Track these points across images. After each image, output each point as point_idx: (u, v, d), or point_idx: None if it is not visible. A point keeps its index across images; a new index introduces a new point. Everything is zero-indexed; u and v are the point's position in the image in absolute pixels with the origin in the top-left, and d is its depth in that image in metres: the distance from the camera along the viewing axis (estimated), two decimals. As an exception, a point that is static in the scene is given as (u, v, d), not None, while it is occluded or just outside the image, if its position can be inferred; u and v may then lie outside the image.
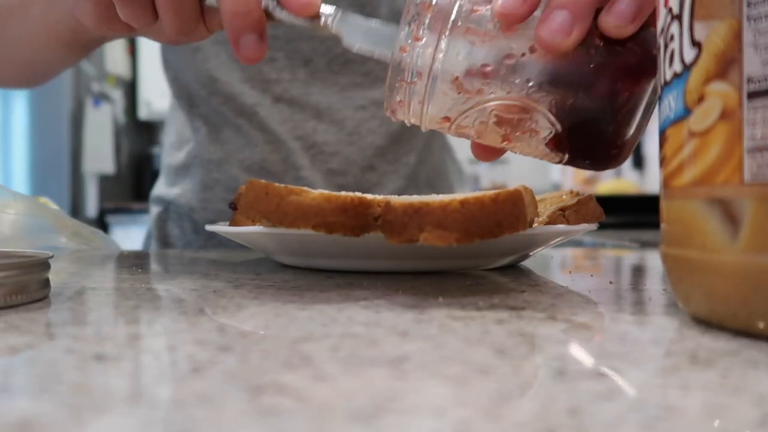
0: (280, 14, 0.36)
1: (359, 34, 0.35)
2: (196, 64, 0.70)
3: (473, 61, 0.32)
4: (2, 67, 0.57)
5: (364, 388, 0.15)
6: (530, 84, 0.32)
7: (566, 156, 0.33)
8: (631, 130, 0.32)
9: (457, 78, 0.32)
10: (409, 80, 0.33)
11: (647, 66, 0.31)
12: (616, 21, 0.30)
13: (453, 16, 0.32)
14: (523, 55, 0.31)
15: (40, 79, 0.61)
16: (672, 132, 0.23)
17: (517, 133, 0.33)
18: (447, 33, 0.32)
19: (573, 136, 0.32)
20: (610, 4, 0.30)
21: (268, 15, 0.36)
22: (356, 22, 0.36)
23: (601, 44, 0.31)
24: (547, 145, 0.33)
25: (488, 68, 0.32)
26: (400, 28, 0.33)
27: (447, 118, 0.34)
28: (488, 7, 0.32)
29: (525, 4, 0.31)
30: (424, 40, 0.32)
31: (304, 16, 0.35)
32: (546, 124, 0.32)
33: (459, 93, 0.32)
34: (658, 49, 0.24)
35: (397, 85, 0.33)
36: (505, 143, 0.34)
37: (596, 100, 0.31)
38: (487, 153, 0.37)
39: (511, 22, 0.31)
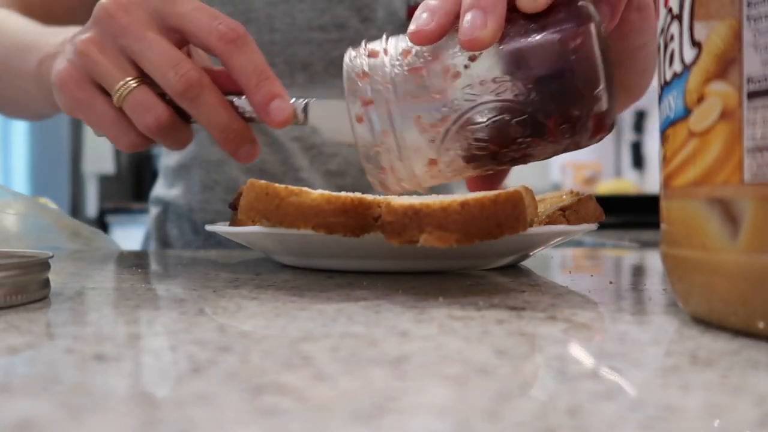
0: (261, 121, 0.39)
1: (332, 121, 0.38)
2: None
3: (425, 95, 0.33)
4: (11, 111, 0.65)
5: (364, 388, 0.15)
6: (485, 85, 0.32)
7: (566, 137, 0.33)
8: (601, 78, 0.32)
9: (419, 117, 0.33)
10: (379, 142, 0.34)
11: (577, 16, 0.32)
12: None
13: (388, 68, 0.33)
14: (466, 66, 0.32)
15: (46, 118, 0.67)
16: (672, 132, 0.23)
17: (502, 140, 0.33)
18: (390, 84, 0.33)
19: (553, 112, 0.32)
20: None
21: (253, 120, 0.39)
22: (324, 107, 0.39)
23: (528, 19, 0.32)
24: (534, 138, 0.33)
25: (440, 95, 0.33)
26: (347, 105, 0.34)
27: (433, 161, 0.34)
28: (422, 53, 0.33)
29: (433, 21, 0.32)
30: (374, 100, 0.33)
31: (287, 126, 0.38)
32: (519, 115, 0.32)
33: (428, 130, 0.33)
34: (659, 48, 0.24)
35: (371, 154, 0.35)
36: (497, 159, 0.34)
37: (549, 65, 0.32)
38: (485, 187, 0.39)
39: (422, 40, 0.32)
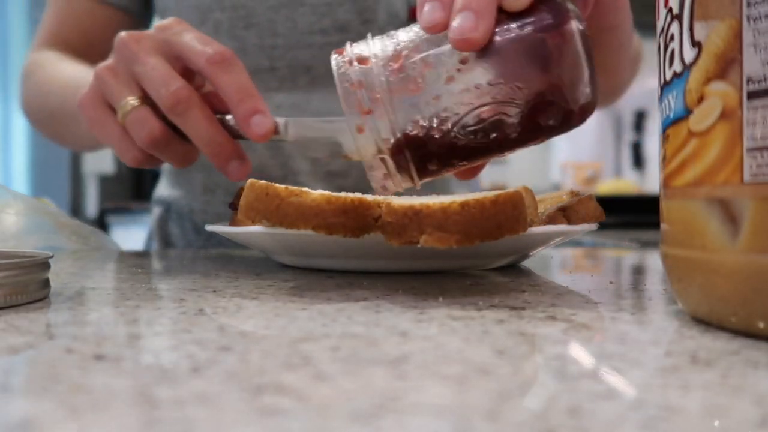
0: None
1: (310, 136, 0.41)
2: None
3: (424, 102, 0.33)
4: (74, 147, 0.75)
5: (364, 388, 0.15)
6: (480, 89, 0.33)
7: (554, 131, 0.34)
8: (586, 71, 0.33)
9: (418, 122, 0.33)
10: (383, 149, 0.35)
11: (561, 14, 0.33)
12: None
13: (382, 76, 0.33)
14: (459, 70, 0.33)
15: (101, 149, 0.76)
16: (672, 132, 0.23)
17: (496, 138, 0.34)
18: (387, 93, 0.33)
19: (544, 109, 0.33)
20: None
21: (241, 137, 0.42)
22: (305, 124, 0.41)
23: (514, 19, 0.33)
24: (526, 133, 0.34)
25: (437, 99, 0.33)
26: (346, 115, 0.35)
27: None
28: (413, 56, 0.33)
29: (480, 27, 0.32)
30: (373, 109, 0.34)
31: (267, 140, 0.41)
32: (513, 114, 0.33)
33: (428, 135, 0.34)
34: (659, 48, 0.24)
35: (374, 163, 0.35)
36: (488, 153, 0.35)
37: (538, 64, 0.33)
38: (467, 172, 0.40)
39: (472, 47, 0.32)
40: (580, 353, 0.20)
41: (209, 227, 0.42)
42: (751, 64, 0.19)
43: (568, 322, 0.23)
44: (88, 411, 0.14)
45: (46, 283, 0.29)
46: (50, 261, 0.29)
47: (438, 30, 0.33)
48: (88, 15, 0.72)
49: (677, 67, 0.22)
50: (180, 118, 0.41)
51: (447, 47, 0.33)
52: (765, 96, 0.19)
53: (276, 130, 0.41)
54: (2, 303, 0.25)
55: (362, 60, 0.34)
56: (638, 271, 0.45)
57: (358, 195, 0.31)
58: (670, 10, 0.23)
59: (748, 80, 0.19)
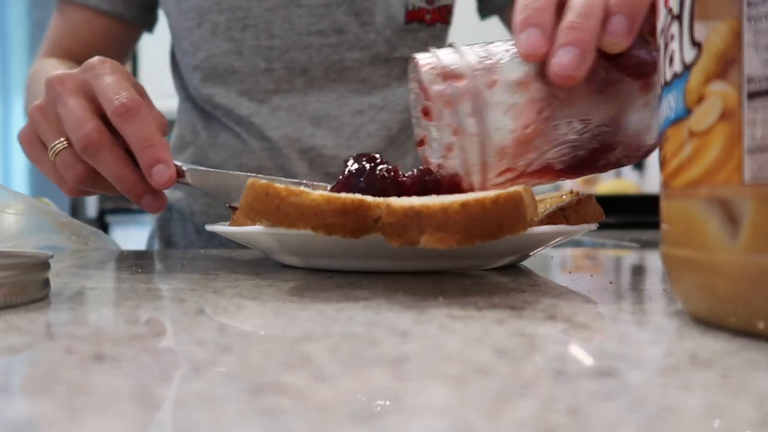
0: None
1: (212, 185, 0.45)
2: (193, 82, 0.71)
3: (510, 129, 0.33)
4: None
5: (364, 388, 0.15)
6: (571, 125, 0.33)
7: (618, 166, 0.36)
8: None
9: (505, 150, 0.34)
10: (466, 173, 0.35)
11: (651, 60, 0.33)
12: (614, 38, 0.32)
13: (479, 100, 0.33)
14: (551, 105, 0.33)
15: None
16: (672, 132, 0.23)
17: (568, 170, 0.35)
18: (482, 118, 0.33)
19: (621, 147, 0.34)
20: (605, 25, 0.32)
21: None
22: (207, 173, 0.45)
23: (608, 60, 0.33)
24: (595, 168, 0.35)
25: (528, 130, 0.33)
26: (438, 133, 0.34)
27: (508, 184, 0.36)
28: (507, 79, 0.33)
29: (583, 65, 0.32)
30: (465, 131, 0.34)
31: (170, 186, 0.43)
32: (591, 150, 0.34)
33: (512, 161, 0.34)
34: (658, 48, 0.24)
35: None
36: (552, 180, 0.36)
37: (627, 108, 0.33)
38: None
39: (571, 83, 0.32)
40: (580, 353, 0.20)
41: (209, 227, 0.42)
42: (751, 64, 0.19)
43: (568, 322, 0.23)
44: (88, 411, 0.14)
45: (46, 283, 0.29)
46: (50, 261, 0.29)
47: (536, 59, 0.32)
48: (86, 25, 0.73)
49: (677, 67, 0.22)
50: (92, 159, 0.43)
51: (544, 80, 0.33)
52: (765, 96, 0.19)
53: (181, 175, 0.44)
54: (2, 303, 0.25)
55: (456, 77, 0.34)
56: (638, 271, 0.45)
57: (358, 196, 0.31)
58: (670, 10, 0.23)
59: (748, 80, 0.19)
